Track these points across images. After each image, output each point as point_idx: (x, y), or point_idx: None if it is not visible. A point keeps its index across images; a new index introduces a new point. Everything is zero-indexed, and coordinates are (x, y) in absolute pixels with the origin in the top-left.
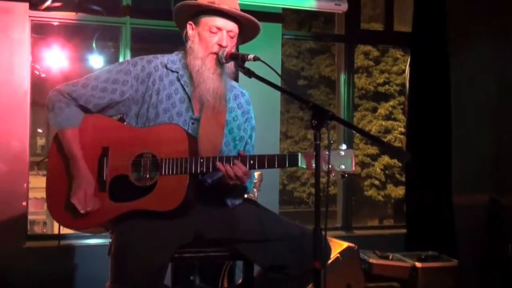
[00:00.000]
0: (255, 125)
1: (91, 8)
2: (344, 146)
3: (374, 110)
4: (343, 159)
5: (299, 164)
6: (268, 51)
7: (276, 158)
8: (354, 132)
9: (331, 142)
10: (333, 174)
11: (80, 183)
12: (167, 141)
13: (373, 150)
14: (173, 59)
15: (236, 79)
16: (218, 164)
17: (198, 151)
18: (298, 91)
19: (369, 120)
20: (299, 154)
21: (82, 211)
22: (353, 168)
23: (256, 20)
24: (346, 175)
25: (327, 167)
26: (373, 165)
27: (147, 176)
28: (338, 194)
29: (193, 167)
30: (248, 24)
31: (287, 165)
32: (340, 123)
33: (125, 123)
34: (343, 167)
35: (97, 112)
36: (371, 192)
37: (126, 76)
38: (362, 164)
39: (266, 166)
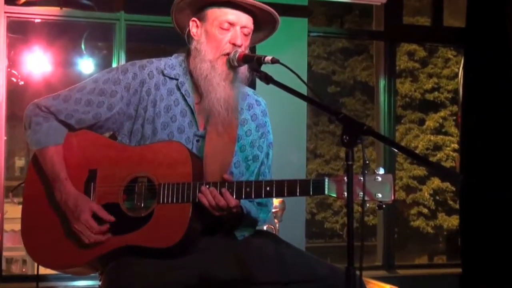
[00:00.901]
0: (273, 141)
1: (78, 2)
2: (381, 170)
3: (421, 122)
4: (380, 186)
5: (326, 192)
6: (291, 51)
7: (297, 185)
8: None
9: (367, 163)
10: (368, 205)
11: (79, 205)
12: (166, 163)
13: (420, 171)
14: (171, 63)
15: (252, 85)
16: (199, 195)
17: (203, 174)
18: (328, 99)
19: (415, 135)
20: (326, 180)
21: (91, 239)
22: (392, 198)
23: (275, 13)
24: (384, 206)
25: (361, 195)
26: (420, 190)
27: (142, 204)
28: (378, 225)
29: (197, 194)
30: (264, 19)
31: (311, 193)
32: (378, 139)
33: (117, 141)
34: (380, 195)
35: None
36: (418, 223)
37: (114, 86)
38: (407, 188)
39: (285, 194)
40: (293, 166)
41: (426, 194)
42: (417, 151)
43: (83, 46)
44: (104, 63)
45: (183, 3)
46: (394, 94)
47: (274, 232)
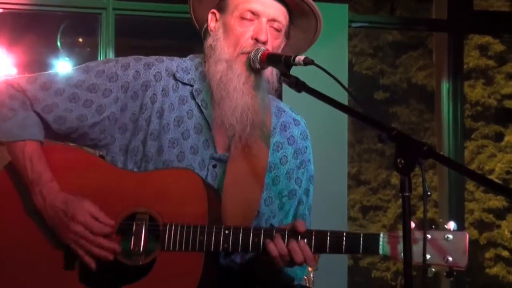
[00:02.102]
0: (314, 173)
1: None
2: (452, 225)
3: (498, 137)
4: (450, 246)
5: (380, 251)
6: (328, 47)
7: (344, 239)
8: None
9: (428, 194)
10: (433, 270)
11: (70, 203)
12: (174, 197)
13: (497, 201)
14: (185, 65)
15: (278, 95)
16: (269, 244)
17: (221, 214)
18: (374, 109)
19: (490, 154)
20: (381, 236)
21: (94, 243)
22: (466, 263)
23: (315, 6)
24: (455, 273)
25: (422, 258)
26: (498, 226)
27: (141, 249)
28: (442, 273)
29: (212, 241)
30: (300, 14)
31: (360, 251)
32: (442, 163)
33: (107, 162)
34: (450, 259)
35: (61, 134)
36: (496, 270)
37: (110, 82)
38: (481, 225)
39: (327, 250)
40: (331, 196)
41: (506, 232)
42: (493, 176)
43: (59, 43)
44: None
45: None
46: (461, 101)
47: (308, 285)
